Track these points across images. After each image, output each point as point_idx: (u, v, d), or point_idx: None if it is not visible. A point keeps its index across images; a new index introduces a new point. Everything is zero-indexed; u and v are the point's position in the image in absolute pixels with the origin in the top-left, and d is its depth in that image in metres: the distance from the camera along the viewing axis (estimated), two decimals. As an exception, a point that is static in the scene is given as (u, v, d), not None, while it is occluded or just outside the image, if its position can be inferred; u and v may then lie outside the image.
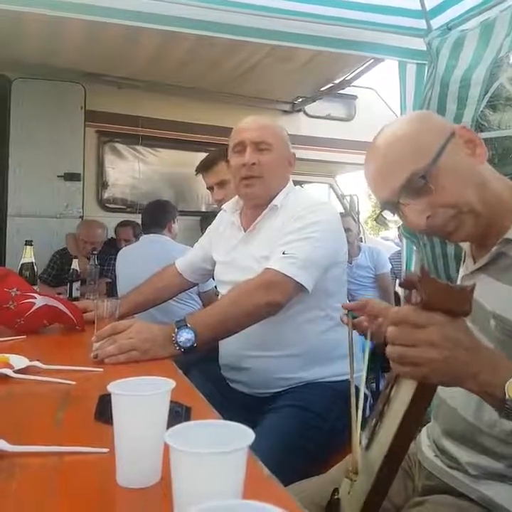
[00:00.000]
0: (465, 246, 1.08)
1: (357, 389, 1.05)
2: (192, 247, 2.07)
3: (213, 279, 1.93)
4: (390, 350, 0.75)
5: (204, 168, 2.43)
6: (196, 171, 2.49)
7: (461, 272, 1.10)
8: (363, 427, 0.95)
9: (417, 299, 0.74)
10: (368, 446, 0.91)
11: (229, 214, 1.79)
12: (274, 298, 1.43)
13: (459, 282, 1.09)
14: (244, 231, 1.70)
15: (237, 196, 1.78)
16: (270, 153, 1.62)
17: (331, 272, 1.58)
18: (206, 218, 4.44)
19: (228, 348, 1.66)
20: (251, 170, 1.61)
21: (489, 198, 0.93)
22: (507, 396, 0.72)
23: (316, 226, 1.53)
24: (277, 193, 1.64)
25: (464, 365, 0.74)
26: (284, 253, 1.48)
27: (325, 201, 1.89)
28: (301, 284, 1.46)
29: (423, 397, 0.75)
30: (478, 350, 0.75)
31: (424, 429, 1.12)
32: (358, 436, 0.88)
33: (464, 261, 1.11)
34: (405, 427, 0.76)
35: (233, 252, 1.71)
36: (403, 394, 0.80)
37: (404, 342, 0.74)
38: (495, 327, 0.89)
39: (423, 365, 0.72)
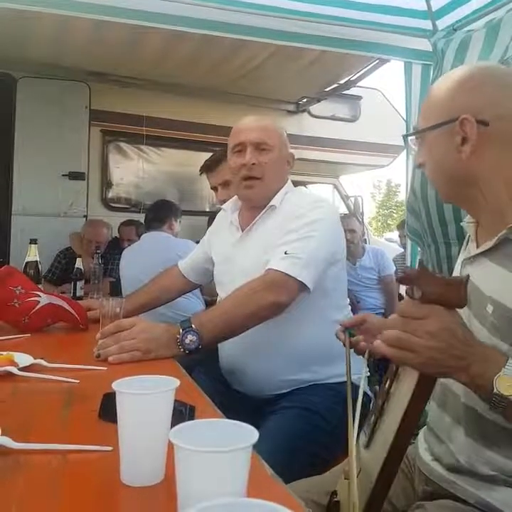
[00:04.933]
0: (469, 230, 1.07)
1: (357, 390, 1.04)
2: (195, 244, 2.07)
3: None
4: (390, 333, 0.80)
5: (208, 168, 2.43)
6: (200, 170, 2.49)
7: (461, 256, 1.09)
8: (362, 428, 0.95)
9: (418, 294, 0.79)
10: (367, 444, 0.91)
11: (229, 213, 1.78)
12: (278, 298, 1.43)
13: (458, 267, 1.08)
14: (242, 231, 1.70)
15: (236, 196, 1.78)
16: (270, 153, 1.63)
17: (330, 271, 1.58)
18: (213, 218, 4.43)
19: (227, 351, 1.66)
20: (251, 170, 1.62)
21: (467, 190, 0.98)
22: (495, 390, 0.77)
23: (316, 224, 1.53)
24: (275, 194, 1.65)
25: (458, 357, 0.78)
26: (286, 253, 1.48)
27: (324, 199, 1.90)
28: (304, 284, 1.46)
29: (425, 389, 0.78)
30: (472, 343, 0.80)
31: (421, 433, 1.11)
32: (354, 438, 0.88)
33: (466, 246, 1.09)
34: (408, 421, 0.78)
35: (231, 252, 1.71)
36: (403, 388, 0.81)
37: (404, 329, 0.79)
38: (492, 312, 0.90)
39: (421, 353, 0.77)
